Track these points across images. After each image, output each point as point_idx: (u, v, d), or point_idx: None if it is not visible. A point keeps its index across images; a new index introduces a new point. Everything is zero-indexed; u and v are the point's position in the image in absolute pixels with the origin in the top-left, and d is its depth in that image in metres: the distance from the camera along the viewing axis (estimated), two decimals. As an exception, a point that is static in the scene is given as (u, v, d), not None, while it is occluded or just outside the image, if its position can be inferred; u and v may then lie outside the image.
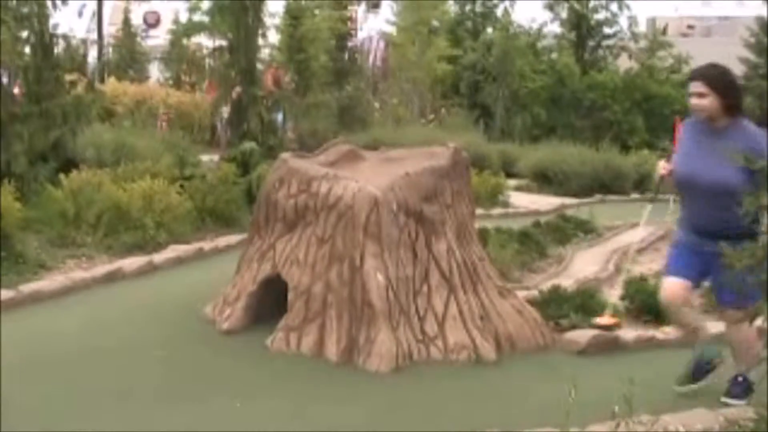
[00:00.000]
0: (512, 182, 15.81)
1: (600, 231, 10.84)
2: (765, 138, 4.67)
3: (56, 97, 10.17)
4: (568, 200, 14.53)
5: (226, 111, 13.42)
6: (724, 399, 4.91)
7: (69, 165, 9.69)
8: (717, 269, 4.59)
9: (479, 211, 9.50)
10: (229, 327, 5.97)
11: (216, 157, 12.63)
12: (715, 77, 4.87)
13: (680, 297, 4.97)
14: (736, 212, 4.40)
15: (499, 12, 30.35)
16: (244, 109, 12.58)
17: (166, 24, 30.55)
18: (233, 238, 8.97)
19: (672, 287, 4.98)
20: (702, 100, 4.78)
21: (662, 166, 5.14)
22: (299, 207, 5.86)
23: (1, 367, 5.00)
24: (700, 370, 5.12)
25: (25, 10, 10.09)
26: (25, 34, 10.17)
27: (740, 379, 4.96)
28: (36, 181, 9.39)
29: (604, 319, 6.34)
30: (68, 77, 10.85)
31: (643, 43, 28.60)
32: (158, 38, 31.20)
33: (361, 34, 26.61)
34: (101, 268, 7.52)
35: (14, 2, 10.02)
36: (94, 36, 25.20)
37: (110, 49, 28.31)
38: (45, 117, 9.96)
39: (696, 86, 4.82)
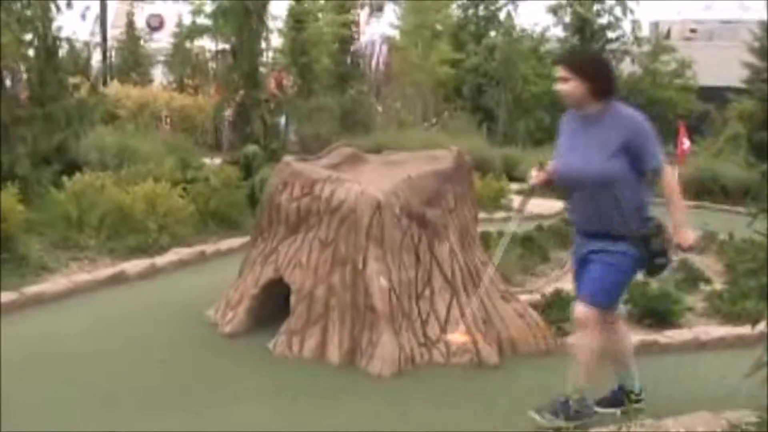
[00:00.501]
0: (515, 186, 15.79)
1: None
2: (642, 117, 4.47)
3: (59, 100, 10.18)
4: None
5: (228, 114, 13.42)
6: (532, 413, 4.57)
7: (72, 168, 9.70)
8: (589, 263, 4.52)
9: (482, 214, 9.50)
10: (231, 330, 5.98)
11: (219, 161, 12.64)
12: (578, 61, 4.70)
13: (588, 319, 4.51)
14: (624, 207, 4.35)
15: (502, 16, 30.31)
16: (247, 113, 12.58)
17: (170, 27, 30.58)
18: (236, 241, 8.98)
19: (579, 309, 4.55)
20: (565, 85, 4.53)
21: (534, 176, 4.84)
22: (302, 210, 5.87)
23: (1, 367, 5.01)
24: (616, 396, 4.75)
25: (29, 13, 10.10)
26: (28, 37, 10.18)
27: (562, 400, 4.57)
28: (39, 183, 9.39)
29: (455, 336, 5.56)
30: (72, 80, 10.87)
31: (646, 48, 28.56)
32: (161, 41, 31.22)
33: (364, 38, 26.59)
34: (104, 271, 7.53)
35: (18, 5, 10.03)
36: (98, 39, 25.23)
37: (113, 52, 28.33)
38: (48, 120, 9.97)
39: (559, 71, 4.60)
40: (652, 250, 4.42)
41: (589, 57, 4.97)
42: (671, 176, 4.49)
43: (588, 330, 4.45)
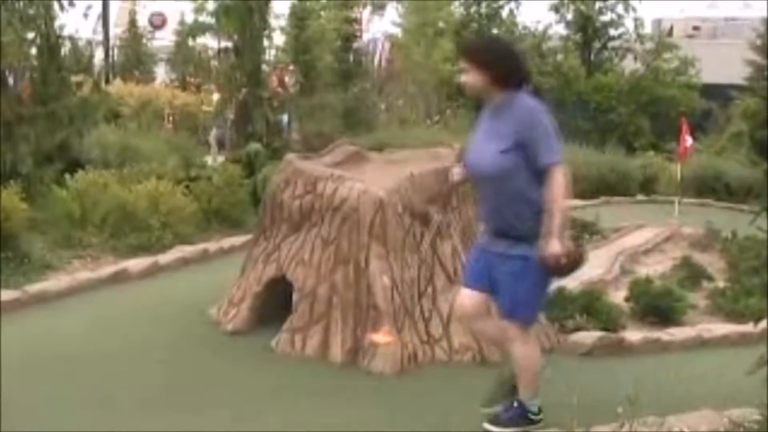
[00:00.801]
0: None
1: (605, 233, 10.82)
2: (539, 108, 4.17)
3: (62, 99, 10.17)
4: (573, 202, 14.46)
5: (230, 112, 13.44)
6: (486, 425, 4.42)
7: (75, 166, 9.73)
8: (497, 274, 4.26)
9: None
10: (234, 328, 5.98)
11: (221, 159, 12.66)
12: (475, 51, 4.37)
13: (470, 311, 4.42)
14: (522, 205, 4.08)
15: (504, 14, 30.31)
16: (250, 111, 12.60)
17: (172, 25, 30.57)
18: (238, 240, 8.98)
19: (461, 300, 4.47)
20: (466, 76, 4.28)
21: (455, 173, 4.63)
22: (304, 208, 5.87)
23: (1, 367, 5.02)
24: (503, 391, 4.50)
25: (32, 11, 10.11)
26: (31, 35, 10.18)
27: (515, 404, 4.42)
28: (42, 182, 9.41)
29: (379, 336, 5.51)
30: (74, 78, 10.87)
31: (648, 45, 28.52)
32: (164, 39, 31.22)
33: (367, 36, 26.59)
34: (107, 269, 7.54)
35: (20, 4, 10.03)
36: (100, 37, 25.23)
37: (116, 51, 28.35)
38: (51, 118, 9.97)
39: (462, 63, 4.36)
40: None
41: (485, 44, 4.54)
42: (559, 178, 4.06)
43: (518, 343, 4.30)
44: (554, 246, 4.02)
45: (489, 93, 4.26)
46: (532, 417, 4.40)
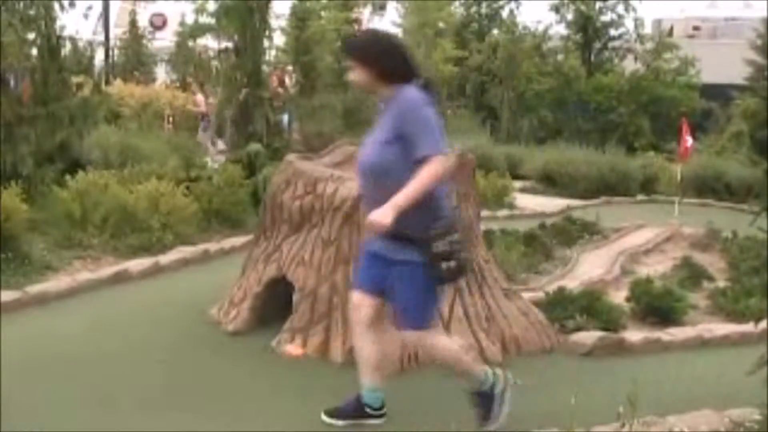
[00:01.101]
0: (518, 184, 15.80)
1: (606, 233, 10.83)
2: (422, 101, 4.04)
3: (63, 99, 10.19)
4: (574, 202, 14.52)
5: (228, 113, 13.45)
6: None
7: (75, 167, 9.73)
8: (387, 278, 4.16)
9: (485, 213, 9.52)
10: (234, 328, 5.98)
11: (221, 158, 12.67)
12: (358, 48, 4.30)
13: (363, 315, 4.29)
14: (419, 206, 3.92)
15: (504, 14, 30.38)
16: (250, 111, 12.61)
17: (173, 26, 30.60)
18: (239, 240, 8.98)
19: (356, 303, 4.35)
20: (352, 74, 4.21)
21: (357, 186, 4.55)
22: (305, 208, 5.87)
23: (1, 367, 5.02)
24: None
25: (32, 12, 10.12)
26: (31, 36, 10.20)
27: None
28: (42, 182, 9.42)
29: (290, 347, 5.55)
30: (75, 79, 10.89)
31: (649, 45, 28.55)
32: (164, 40, 31.25)
33: (367, 36, 26.57)
34: (107, 270, 7.54)
35: (21, 4, 10.05)
36: (101, 38, 25.26)
37: (116, 51, 28.38)
38: (51, 119, 9.99)
39: (347, 61, 4.33)
40: (434, 253, 3.99)
41: (367, 40, 4.38)
42: (434, 165, 3.91)
43: (427, 345, 4.28)
44: (381, 214, 3.89)
45: (376, 89, 4.19)
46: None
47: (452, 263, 4.01)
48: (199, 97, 21.12)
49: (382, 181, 4.04)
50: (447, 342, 4.42)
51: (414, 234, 3.97)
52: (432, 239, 3.99)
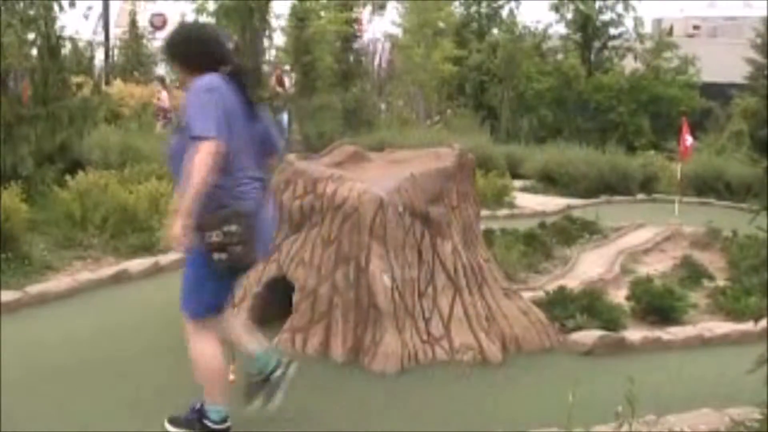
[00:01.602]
0: (518, 183, 15.79)
1: (606, 232, 10.83)
2: (199, 87, 3.92)
3: (63, 100, 10.20)
4: (573, 201, 14.51)
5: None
6: (168, 426, 4.25)
7: (75, 167, 9.73)
8: None
9: (485, 212, 9.52)
10: (235, 328, 5.98)
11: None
12: (166, 45, 4.30)
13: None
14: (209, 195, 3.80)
15: (504, 13, 30.35)
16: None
17: (173, 26, 30.60)
18: (239, 240, 8.96)
19: None
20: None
21: None
22: (305, 208, 5.87)
23: (1, 367, 5.02)
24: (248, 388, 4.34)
25: (32, 12, 10.13)
26: (32, 36, 10.20)
27: (197, 406, 4.25)
28: (43, 182, 9.42)
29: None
30: (75, 79, 10.89)
31: (648, 44, 28.54)
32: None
33: (367, 36, 26.61)
34: (107, 270, 7.54)
35: (21, 5, 10.05)
36: (101, 38, 25.25)
37: (116, 52, 28.36)
38: (52, 119, 10.00)
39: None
40: (206, 242, 3.88)
41: (170, 36, 4.29)
42: (199, 156, 3.75)
43: (191, 339, 4.20)
44: (174, 229, 3.82)
45: (188, 81, 4.11)
46: (209, 425, 4.16)
47: (223, 255, 3.89)
48: (164, 94, 21.04)
49: (177, 168, 3.95)
50: (210, 352, 4.17)
51: (195, 221, 3.84)
52: (203, 228, 3.86)
